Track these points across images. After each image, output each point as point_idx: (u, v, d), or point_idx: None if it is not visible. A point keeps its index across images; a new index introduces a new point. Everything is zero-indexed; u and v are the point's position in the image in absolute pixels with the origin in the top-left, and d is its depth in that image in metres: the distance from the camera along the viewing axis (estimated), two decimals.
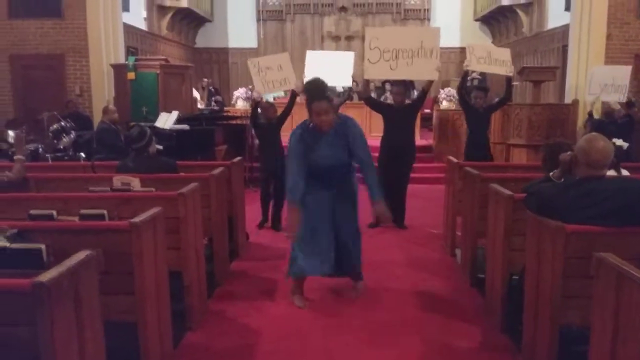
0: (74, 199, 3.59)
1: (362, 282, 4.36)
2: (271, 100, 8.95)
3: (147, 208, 3.11)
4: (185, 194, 3.56)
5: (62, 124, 7.83)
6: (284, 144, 6.40)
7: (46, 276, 1.94)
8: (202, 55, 16.63)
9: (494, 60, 6.33)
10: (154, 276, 2.96)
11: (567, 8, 10.46)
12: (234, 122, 9.53)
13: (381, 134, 6.53)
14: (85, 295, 2.22)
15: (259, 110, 6.47)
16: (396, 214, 6.41)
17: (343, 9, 16.49)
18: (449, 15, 16.35)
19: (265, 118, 6.42)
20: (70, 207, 3.46)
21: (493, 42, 15.44)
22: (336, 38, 16.58)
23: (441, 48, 17.75)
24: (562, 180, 2.93)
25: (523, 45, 14.16)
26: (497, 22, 15.67)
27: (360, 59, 7.64)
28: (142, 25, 12.82)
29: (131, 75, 8.74)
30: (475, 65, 6.38)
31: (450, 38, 16.41)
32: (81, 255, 2.22)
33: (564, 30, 10.75)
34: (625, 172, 3.99)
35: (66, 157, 7.63)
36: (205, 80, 12.36)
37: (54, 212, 3.30)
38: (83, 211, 3.28)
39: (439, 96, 12.13)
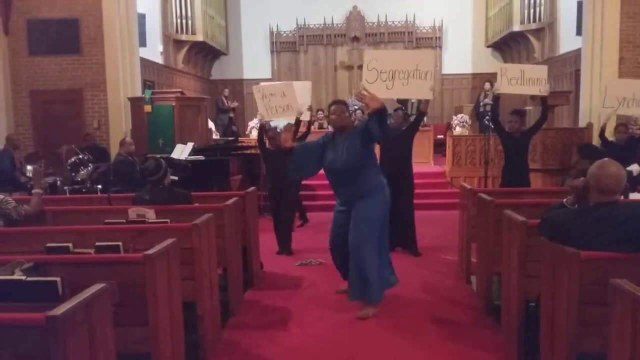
0: (89, 232, 3.64)
1: (372, 307, 4.35)
2: (281, 126, 9.07)
3: (161, 239, 3.15)
4: (199, 225, 3.59)
5: (80, 156, 7.98)
6: None
7: (60, 309, 1.97)
8: (218, 87, 16.89)
9: (527, 80, 6.17)
10: (167, 307, 2.98)
11: (579, 33, 10.48)
12: (248, 152, 9.63)
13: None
14: (99, 328, 2.24)
15: (267, 139, 6.59)
16: (407, 241, 6.44)
17: (355, 39, 16.70)
18: (460, 42, 16.49)
19: (274, 146, 6.51)
20: (86, 240, 3.51)
21: None
22: (349, 67, 16.77)
23: (453, 75, 17.92)
24: (576, 206, 2.91)
25: None
26: (508, 47, 15.74)
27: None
28: (159, 59, 13.09)
29: (148, 108, 8.91)
30: (507, 87, 6.23)
31: (462, 65, 16.59)
32: (95, 287, 2.25)
33: (577, 54, 10.76)
34: (638, 196, 3.96)
35: (84, 190, 7.76)
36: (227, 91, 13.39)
37: (70, 245, 3.36)
38: (99, 243, 3.33)
39: (452, 122, 12.17)
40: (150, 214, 3.98)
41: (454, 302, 4.78)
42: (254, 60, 17.02)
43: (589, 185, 2.79)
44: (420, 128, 6.79)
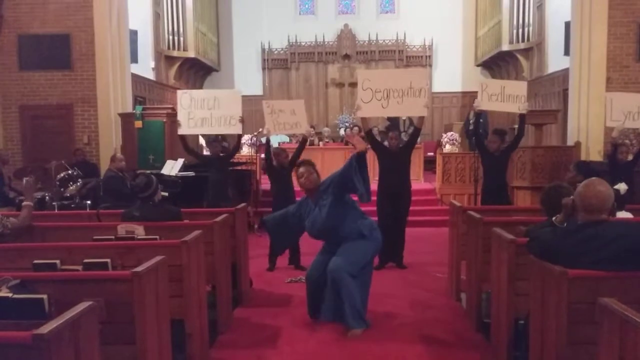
0: (77, 248, 3.61)
1: (356, 330, 4.33)
2: (276, 144, 9.13)
3: (150, 256, 3.13)
4: (188, 242, 3.58)
5: (70, 172, 7.93)
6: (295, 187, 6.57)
7: (47, 328, 1.95)
8: None
9: (507, 96, 6.28)
10: (155, 325, 2.95)
11: (567, 53, 10.62)
12: (239, 168, 9.62)
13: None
14: (86, 346, 2.22)
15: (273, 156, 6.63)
16: (395, 254, 6.49)
17: (346, 56, 16.85)
18: (450, 61, 16.68)
19: (278, 163, 6.55)
20: (75, 256, 3.48)
21: None
22: (340, 85, 16.89)
23: (443, 93, 18.07)
24: (565, 224, 2.93)
25: None
26: (497, 67, 15.94)
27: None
28: (150, 75, 13.11)
29: (138, 123, 8.92)
30: (487, 104, 6.35)
31: (452, 83, 16.77)
32: (82, 306, 2.23)
33: (564, 74, 10.90)
34: (628, 215, 4.00)
35: (72, 205, 7.70)
36: None
37: (58, 262, 3.34)
38: (86, 260, 3.30)
39: (442, 140, 12.24)
40: (139, 231, 3.96)
41: (443, 320, 4.77)
42: (245, 77, 17.09)
43: (576, 205, 2.81)
44: None
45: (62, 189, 7.82)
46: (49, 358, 1.93)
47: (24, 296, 2.50)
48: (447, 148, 11.42)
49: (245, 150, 11.62)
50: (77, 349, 2.13)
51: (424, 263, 6.66)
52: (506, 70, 15.52)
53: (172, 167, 7.90)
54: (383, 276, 6.15)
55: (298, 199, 6.17)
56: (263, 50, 16.93)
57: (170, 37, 14.03)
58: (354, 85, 16.68)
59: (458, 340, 4.31)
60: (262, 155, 7.51)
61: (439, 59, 16.84)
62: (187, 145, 6.69)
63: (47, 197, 7.77)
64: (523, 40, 13.88)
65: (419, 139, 6.90)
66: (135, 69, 11.01)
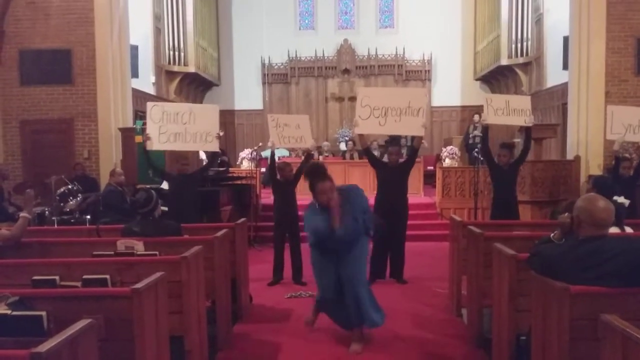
0: (77, 264, 3.60)
1: (360, 342, 4.35)
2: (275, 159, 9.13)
3: (150, 272, 3.12)
4: (188, 257, 3.57)
5: (69, 187, 7.93)
6: (298, 201, 6.62)
7: (45, 346, 1.93)
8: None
9: (512, 110, 6.32)
10: (155, 342, 2.93)
11: (565, 67, 10.68)
12: (239, 182, 9.62)
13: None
14: None
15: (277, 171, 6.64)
16: (395, 269, 6.51)
17: (346, 71, 16.93)
18: (449, 75, 16.77)
19: (282, 177, 6.56)
20: (74, 272, 3.47)
21: None
22: (340, 99, 16.95)
23: (442, 107, 18.10)
24: (563, 241, 2.92)
25: None
26: (497, 81, 16.02)
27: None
28: (151, 90, 13.16)
29: (138, 138, 8.89)
30: (493, 118, 6.38)
31: (451, 97, 16.84)
32: (81, 323, 2.22)
33: (563, 88, 10.95)
34: (628, 229, 3.99)
35: (72, 220, 7.69)
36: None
37: (57, 278, 3.32)
38: (86, 276, 3.29)
39: (441, 154, 12.26)
40: (139, 246, 3.95)
41: (444, 335, 4.74)
42: (245, 91, 17.18)
43: (580, 220, 2.80)
44: None
45: (61, 204, 7.82)
46: None
47: (22, 313, 2.49)
48: (447, 162, 11.45)
49: (245, 165, 11.65)
50: None
51: (424, 278, 6.64)
52: (505, 85, 15.60)
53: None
54: (383, 291, 6.10)
55: (300, 213, 6.18)
56: (263, 65, 17.02)
57: (171, 52, 14.11)
58: (353, 99, 16.72)
59: (459, 356, 4.28)
60: (263, 170, 7.52)
61: (438, 74, 16.92)
62: (150, 160, 6.28)
63: (46, 212, 7.76)
64: (522, 55, 13.96)
65: (418, 153, 6.91)
66: (135, 83, 11.06)
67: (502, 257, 3.64)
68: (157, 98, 13.43)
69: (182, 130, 6.10)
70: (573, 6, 9.63)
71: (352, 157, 12.76)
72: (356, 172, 11.35)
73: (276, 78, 17.17)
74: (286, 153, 12.82)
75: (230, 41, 17.26)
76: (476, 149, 9.36)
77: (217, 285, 4.40)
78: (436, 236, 8.98)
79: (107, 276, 3.32)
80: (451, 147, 12.13)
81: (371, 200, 6.41)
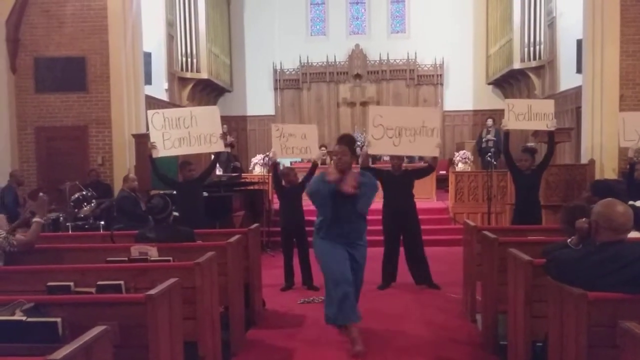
0: (91, 270, 3.61)
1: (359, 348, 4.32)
2: (288, 164, 9.10)
3: (163, 278, 3.12)
4: (201, 263, 3.57)
5: (84, 193, 7.99)
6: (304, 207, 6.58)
7: (60, 353, 1.94)
8: (222, 123, 17.04)
9: (534, 115, 6.26)
10: (169, 349, 2.94)
11: (579, 70, 10.57)
12: (251, 187, 9.64)
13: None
14: None
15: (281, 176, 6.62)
16: (421, 274, 6.48)
17: (358, 76, 16.91)
18: (461, 79, 16.67)
19: (287, 182, 6.55)
20: (88, 278, 3.48)
21: None
22: (351, 104, 16.93)
23: (454, 111, 18.02)
24: (581, 246, 2.89)
25: None
26: (509, 85, 15.91)
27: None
28: (164, 96, 13.24)
29: None
30: (514, 123, 6.32)
31: (464, 102, 16.75)
32: (96, 330, 2.23)
33: (577, 92, 10.85)
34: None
35: (86, 226, 7.75)
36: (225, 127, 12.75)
37: (72, 284, 3.34)
38: (100, 282, 3.30)
39: (454, 158, 12.20)
40: (152, 252, 3.96)
41: (459, 342, 4.70)
42: (257, 97, 17.22)
43: (598, 226, 2.76)
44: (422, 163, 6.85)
45: (76, 210, 7.87)
46: None
47: (37, 319, 2.50)
48: (460, 166, 11.40)
49: (258, 170, 11.67)
50: None
51: (438, 283, 6.58)
52: (518, 89, 15.49)
53: None
54: (396, 297, 6.09)
55: (307, 219, 6.17)
56: (275, 70, 17.06)
57: (184, 59, 14.19)
58: (365, 104, 16.74)
59: None
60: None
61: (450, 78, 16.84)
62: (156, 169, 6.28)
63: (61, 218, 7.83)
64: (534, 59, 13.85)
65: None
66: (149, 90, 11.12)
67: (518, 263, 3.60)
68: (170, 104, 13.50)
69: (185, 134, 6.11)
70: (586, 9, 9.54)
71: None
72: None
73: (288, 84, 17.20)
74: (297, 159, 12.83)
75: (242, 47, 17.33)
76: (489, 153, 9.31)
77: (230, 291, 4.39)
78: (449, 241, 8.93)
79: (122, 282, 3.33)
80: (464, 151, 12.08)
81: (379, 205, 6.45)
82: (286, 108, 17.15)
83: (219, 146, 6.30)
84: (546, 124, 6.28)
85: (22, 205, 8.37)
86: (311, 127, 6.94)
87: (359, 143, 12.71)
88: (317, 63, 17.01)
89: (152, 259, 3.91)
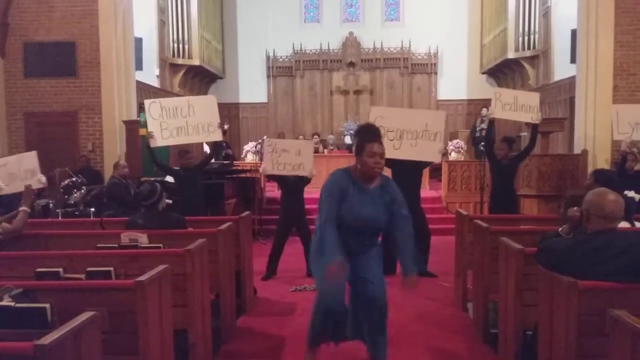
0: (80, 257, 3.58)
1: None
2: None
3: (154, 265, 3.10)
4: (192, 250, 3.55)
5: (73, 179, 7.93)
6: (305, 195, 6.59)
7: (49, 338, 1.92)
8: None
9: (520, 106, 6.23)
10: (158, 335, 2.92)
11: (573, 60, 10.57)
12: (243, 175, 9.60)
13: None
14: (88, 357, 2.19)
15: None
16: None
17: (351, 64, 16.84)
18: (455, 68, 16.65)
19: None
20: (77, 265, 3.45)
21: None
22: (345, 92, 16.88)
23: (449, 100, 17.95)
24: (572, 235, 2.89)
25: None
26: (503, 74, 15.91)
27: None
28: (155, 83, 13.13)
29: (143, 131, 8.88)
30: (500, 112, 6.28)
31: (458, 91, 16.75)
32: (85, 316, 2.21)
33: (571, 82, 10.86)
34: (638, 225, 3.94)
35: (76, 212, 7.69)
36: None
37: (61, 270, 3.31)
38: (90, 269, 3.28)
39: (447, 147, 12.20)
40: (142, 239, 3.93)
41: (450, 330, 4.72)
42: (250, 85, 17.13)
43: (590, 214, 2.76)
44: None
45: (66, 196, 7.82)
46: None
47: (26, 305, 2.47)
48: (453, 156, 11.40)
49: (250, 158, 11.64)
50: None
51: (430, 272, 6.59)
52: (512, 78, 15.49)
53: None
54: (388, 285, 6.08)
55: (308, 207, 6.06)
56: (268, 58, 16.96)
57: (175, 45, 14.07)
58: (358, 92, 16.72)
59: (464, 351, 4.25)
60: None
61: (444, 67, 16.82)
62: (155, 158, 6.25)
63: (51, 204, 7.76)
64: (529, 48, 13.85)
65: None
66: (140, 76, 11.03)
67: (509, 251, 3.61)
68: (161, 91, 13.41)
69: (183, 123, 6.08)
70: None
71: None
72: None
73: (281, 71, 17.11)
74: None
75: (235, 34, 17.20)
76: (482, 143, 9.31)
77: (221, 278, 4.38)
78: (441, 230, 8.92)
79: (111, 269, 3.30)
80: (457, 140, 12.07)
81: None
82: (279, 96, 17.08)
83: (217, 135, 6.28)
84: (531, 117, 6.25)
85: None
86: (307, 143, 6.78)
87: (351, 131, 12.72)
88: (311, 50, 16.92)
89: (143, 245, 3.88)
